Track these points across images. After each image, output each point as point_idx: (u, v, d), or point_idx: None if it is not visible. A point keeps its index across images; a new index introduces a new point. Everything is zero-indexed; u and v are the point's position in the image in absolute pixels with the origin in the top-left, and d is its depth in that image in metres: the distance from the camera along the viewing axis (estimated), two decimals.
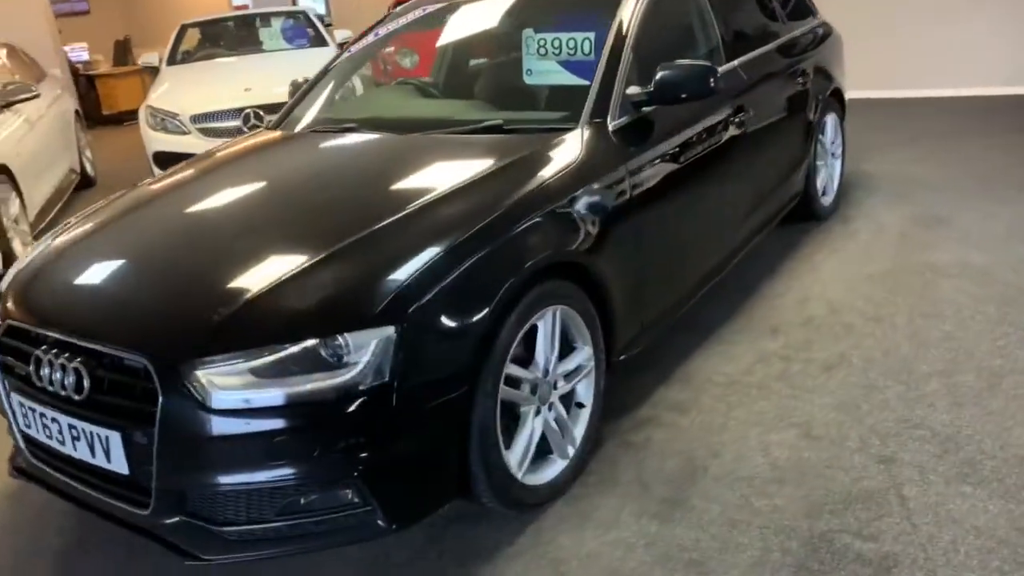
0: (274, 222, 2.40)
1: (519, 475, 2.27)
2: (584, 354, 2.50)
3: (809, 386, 2.91)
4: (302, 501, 1.95)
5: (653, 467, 2.54)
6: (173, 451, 1.92)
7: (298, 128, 3.27)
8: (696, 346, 3.25)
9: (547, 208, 2.36)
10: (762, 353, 3.17)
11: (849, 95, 4.85)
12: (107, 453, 2.01)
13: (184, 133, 6.38)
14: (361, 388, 1.90)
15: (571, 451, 2.48)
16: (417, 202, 2.27)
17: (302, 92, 3.57)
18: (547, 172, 2.46)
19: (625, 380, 2.97)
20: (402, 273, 2.02)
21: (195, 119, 6.34)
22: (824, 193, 4.48)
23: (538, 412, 2.35)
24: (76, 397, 2.04)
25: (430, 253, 2.09)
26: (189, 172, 2.98)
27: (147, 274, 2.26)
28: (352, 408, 1.90)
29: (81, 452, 2.08)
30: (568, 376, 2.46)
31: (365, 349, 1.91)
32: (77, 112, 7.66)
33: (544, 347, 2.33)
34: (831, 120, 4.49)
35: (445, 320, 2.03)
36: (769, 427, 2.68)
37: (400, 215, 2.22)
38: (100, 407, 2.02)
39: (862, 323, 3.33)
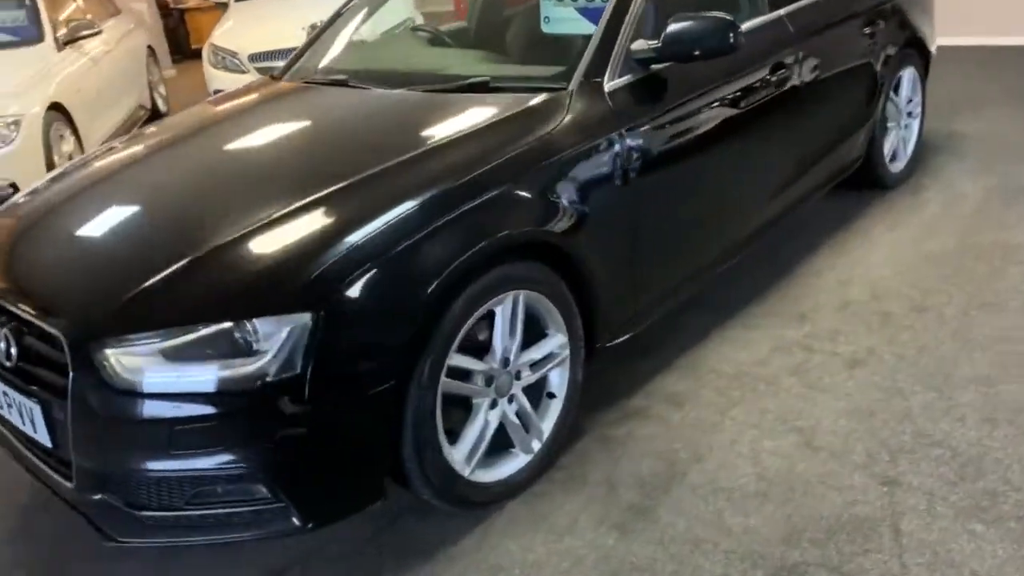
0: (215, 189, 2.25)
1: (466, 472, 2.11)
2: (556, 342, 2.28)
3: (824, 385, 2.60)
4: (218, 490, 1.84)
5: (627, 468, 2.32)
6: (85, 429, 1.84)
7: (291, 79, 3.10)
8: (710, 329, 2.97)
9: (512, 181, 2.12)
10: (782, 341, 2.86)
11: (941, 42, 4.30)
12: (32, 423, 1.96)
13: (242, 72, 6.33)
14: (269, 380, 1.75)
15: (536, 445, 2.29)
16: (366, 171, 2.08)
17: (311, 38, 3.39)
18: (520, 139, 2.22)
19: (621, 364, 2.74)
20: (329, 252, 1.85)
21: (253, 58, 6.28)
22: (894, 158, 4.01)
23: (494, 405, 2.16)
24: (7, 364, 1.99)
25: (366, 230, 1.90)
26: (155, 131, 2.86)
27: (81, 242, 2.16)
28: (259, 401, 1.76)
29: (15, 419, 2.04)
30: (535, 365, 2.25)
31: (275, 337, 1.76)
32: (150, 48, 7.74)
33: (502, 335, 2.12)
34: (908, 75, 3.98)
35: (374, 307, 1.85)
36: (767, 430, 2.41)
37: (344, 184, 2.03)
38: (25, 376, 1.97)
39: (904, 313, 2.96)
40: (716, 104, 2.70)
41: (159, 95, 7.63)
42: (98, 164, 2.62)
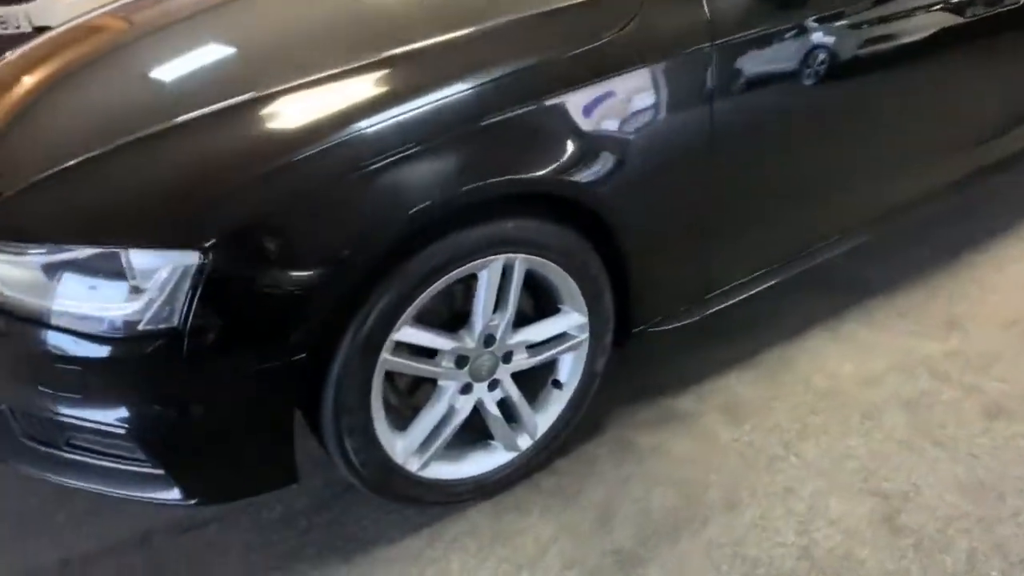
0: (162, 71, 1.80)
1: (413, 466, 1.68)
2: (570, 321, 1.75)
3: (945, 435, 1.91)
4: (94, 440, 1.53)
5: (636, 493, 1.80)
6: None
7: None
8: (815, 321, 2.30)
9: (531, 101, 1.54)
10: (908, 358, 2.15)
11: None
12: None
13: None
14: (140, 328, 1.37)
15: (525, 443, 1.81)
16: (340, 65, 1.57)
17: None
18: (559, 44, 1.61)
19: (679, 348, 2.17)
20: (243, 172, 1.40)
21: None
22: None
23: (468, 389, 1.70)
24: None
25: (307, 148, 1.41)
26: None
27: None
28: (131, 352, 1.39)
29: None
30: (536, 348, 1.75)
31: (154, 277, 1.36)
32: None
33: (483, 307, 1.62)
34: None
35: (289, 256, 1.40)
36: (840, 485, 1.79)
37: (305, 79, 1.54)
38: None
39: None
40: (871, 18, 1.92)
41: None
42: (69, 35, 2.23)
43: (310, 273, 1.40)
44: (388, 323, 1.50)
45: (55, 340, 1.41)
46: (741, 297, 2.01)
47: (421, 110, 1.47)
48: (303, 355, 1.43)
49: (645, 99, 1.65)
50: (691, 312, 1.96)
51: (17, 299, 1.43)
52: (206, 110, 1.50)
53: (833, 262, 2.21)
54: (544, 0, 1.68)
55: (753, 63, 1.74)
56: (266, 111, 1.50)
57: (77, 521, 1.81)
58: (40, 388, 1.47)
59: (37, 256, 1.40)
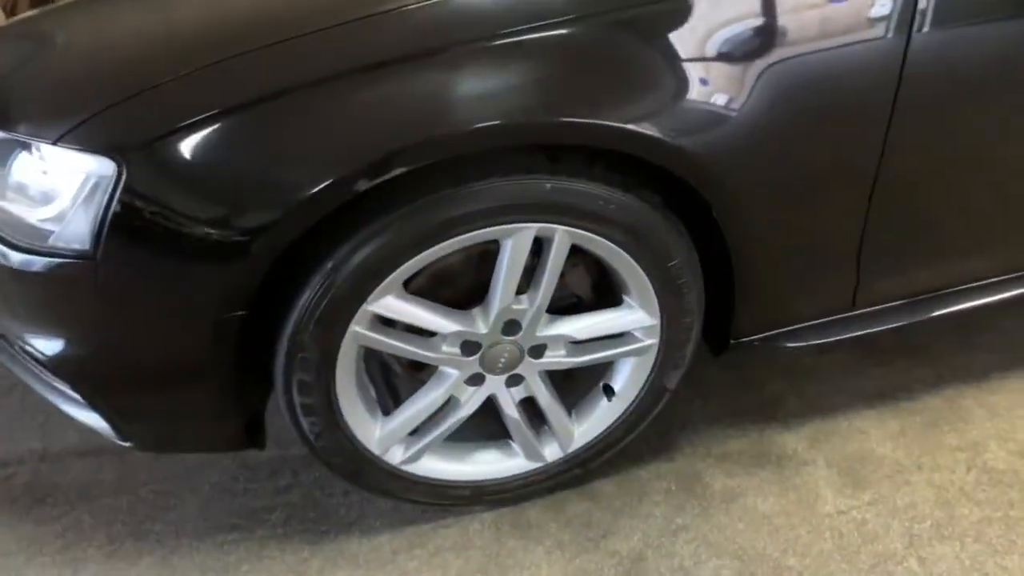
0: None
1: (396, 459, 1.33)
2: (631, 319, 1.29)
3: None
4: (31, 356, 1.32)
5: (681, 554, 1.36)
6: None
7: None
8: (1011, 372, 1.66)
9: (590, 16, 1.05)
10: None
11: None
12: None
13: None
14: (50, 243, 1.09)
15: (554, 454, 1.41)
16: None
17: None
18: None
19: (810, 367, 1.64)
20: (177, 66, 1.05)
21: None
22: None
23: (478, 380, 1.31)
24: None
25: (263, 35, 1.05)
26: None
27: None
28: (42, 268, 1.12)
29: None
30: (581, 345, 1.31)
31: (68, 184, 1.07)
32: None
33: (503, 285, 1.20)
34: None
35: (233, 179, 1.05)
36: None
37: None
38: None
39: None
40: None
41: None
42: None
43: (257, 204, 1.05)
44: (361, 290, 1.13)
45: None
46: (904, 323, 1.44)
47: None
48: (241, 312, 1.11)
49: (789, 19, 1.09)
50: (825, 332, 1.42)
51: None
52: None
53: None
54: None
55: None
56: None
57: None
58: None
59: None
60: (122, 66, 1.09)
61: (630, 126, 1.07)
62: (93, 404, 1.24)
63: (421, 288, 1.23)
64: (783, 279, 1.32)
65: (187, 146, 1.02)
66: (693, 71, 1.09)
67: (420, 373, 1.38)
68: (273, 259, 1.08)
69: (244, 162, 1.04)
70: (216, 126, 1.01)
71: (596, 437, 1.42)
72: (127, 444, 1.30)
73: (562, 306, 1.33)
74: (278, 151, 1.02)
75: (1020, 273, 1.48)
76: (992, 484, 1.46)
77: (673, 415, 1.58)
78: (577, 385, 1.43)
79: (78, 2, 1.32)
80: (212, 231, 1.05)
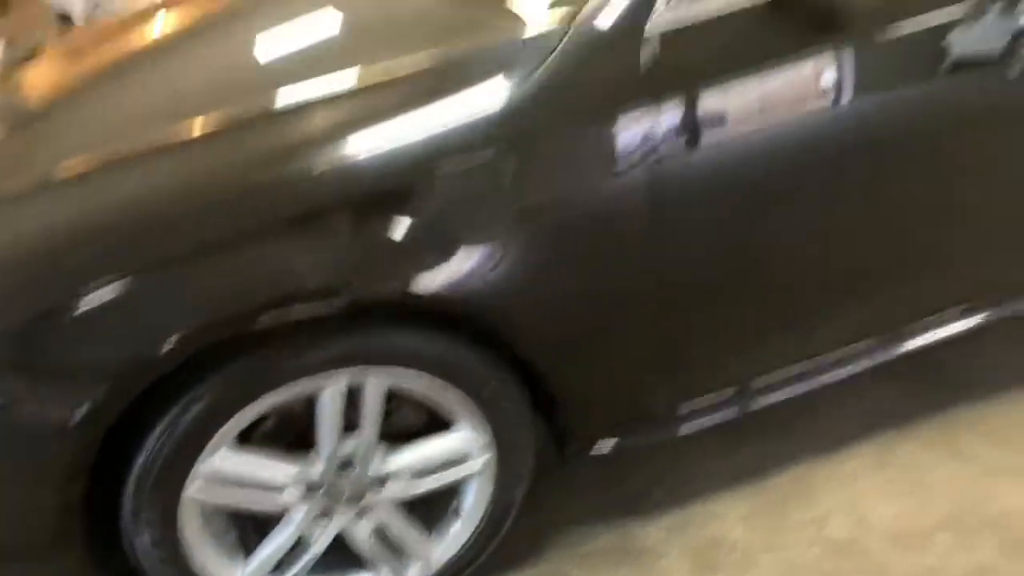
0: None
1: None
2: (461, 442, 1.39)
3: None
4: None
5: None
6: None
7: None
8: (871, 432, 1.76)
9: (393, 182, 1.19)
10: (982, 510, 1.58)
11: None
12: None
13: None
14: None
15: (416, 574, 1.49)
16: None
17: None
18: (442, 94, 1.23)
19: (673, 452, 1.73)
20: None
21: None
22: None
23: (327, 512, 1.39)
24: None
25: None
26: None
27: None
28: None
29: None
30: (420, 474, 1.40)
31: None
32: None
33: (328, 431, 1.30)
34: None
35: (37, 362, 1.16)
36: None
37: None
38: None
39: None
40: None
41: None
42: None
43: (64, 381, 1.15)
44: (189, 450, 1.22)
45: None
46: (725, 416, 1.54)
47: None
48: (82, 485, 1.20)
49: (572, 166, 1.24)
50: (657, 429, 1.53)
51: None
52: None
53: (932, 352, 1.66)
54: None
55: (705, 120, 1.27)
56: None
57: None
58: None
59: None
60: None
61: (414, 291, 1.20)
62: None
63: (269, 431, 1.33)
64: (600, 393, 1.43)
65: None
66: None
67: None
68: (101, 434, 1.18)
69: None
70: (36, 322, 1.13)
71: (455, 555, 1.49)
72: None
73: (408, 432, 1.43)
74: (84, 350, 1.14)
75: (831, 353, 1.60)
76: (837, 553, 1.54)
77: (544, 516, 1.66)
78: (434, 504, 1.51)
79: None
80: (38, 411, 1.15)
